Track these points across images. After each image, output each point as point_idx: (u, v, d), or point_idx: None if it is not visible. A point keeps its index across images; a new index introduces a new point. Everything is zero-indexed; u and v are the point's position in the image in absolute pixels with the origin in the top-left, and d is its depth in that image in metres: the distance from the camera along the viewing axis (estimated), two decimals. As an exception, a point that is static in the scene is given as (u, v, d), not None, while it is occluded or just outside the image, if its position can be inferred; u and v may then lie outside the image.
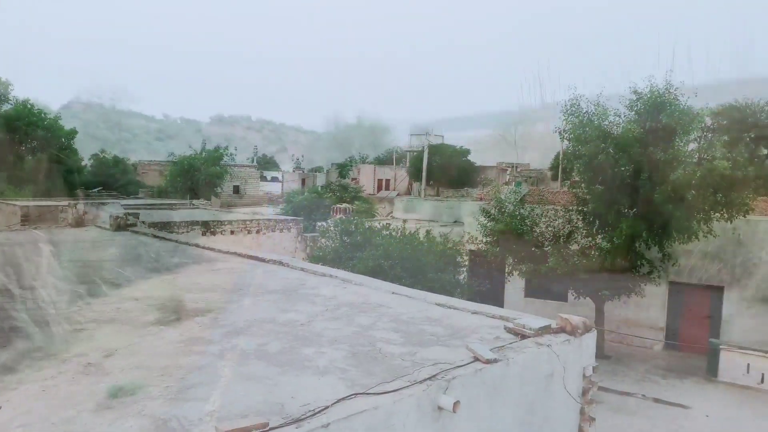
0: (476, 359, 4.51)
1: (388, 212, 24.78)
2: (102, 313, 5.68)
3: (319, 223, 16.34)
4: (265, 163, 77.83)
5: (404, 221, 16.13)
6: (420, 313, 6.13)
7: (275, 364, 4.27)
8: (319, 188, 38.08)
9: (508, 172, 50.92)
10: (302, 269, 8.40)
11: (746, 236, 16.73)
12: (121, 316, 5.56)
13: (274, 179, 70.19)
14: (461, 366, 4.32)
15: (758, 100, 32.07)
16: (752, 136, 31.20)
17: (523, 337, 5.32)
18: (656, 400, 13.15)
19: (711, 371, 15.22)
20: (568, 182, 18.51)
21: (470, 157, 50.90)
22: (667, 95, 15.23)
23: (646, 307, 17.79)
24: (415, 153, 52.71)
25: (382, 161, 69.85)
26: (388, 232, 13.36)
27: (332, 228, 14.58)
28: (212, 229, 15.06)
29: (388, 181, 57.11)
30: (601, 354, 16.23)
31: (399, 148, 68.48)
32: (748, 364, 14.81)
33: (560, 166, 34.98)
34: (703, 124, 21.90)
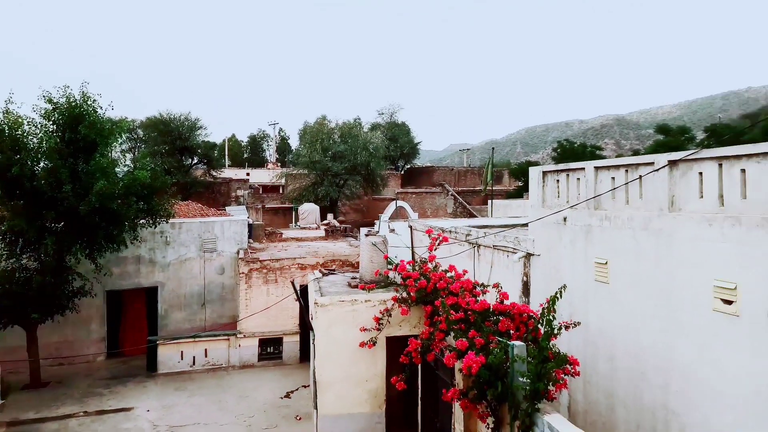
0: None
1: None
2: None
3: None
4: None
5: None
6: None
7: None
8: None
9: None
10: None
11: (172, 237, 18.67)
12: None
13: None
14: None
15: (179, 115, 36.13)
16: (178, 147, 35.09)
17: None
18: (100, 412, 13.07)
19: (151, 367, 16.39)
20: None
21: None
22: (85, 107, 15.22)
23: (86, 321, 17.43)
24: None
25: None
26: None
27: None
28: None
29: None
30: (37, 383, 14.94)
31: None
32: (182, 352, 16.75)
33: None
34: (125, 136, 23.07)
